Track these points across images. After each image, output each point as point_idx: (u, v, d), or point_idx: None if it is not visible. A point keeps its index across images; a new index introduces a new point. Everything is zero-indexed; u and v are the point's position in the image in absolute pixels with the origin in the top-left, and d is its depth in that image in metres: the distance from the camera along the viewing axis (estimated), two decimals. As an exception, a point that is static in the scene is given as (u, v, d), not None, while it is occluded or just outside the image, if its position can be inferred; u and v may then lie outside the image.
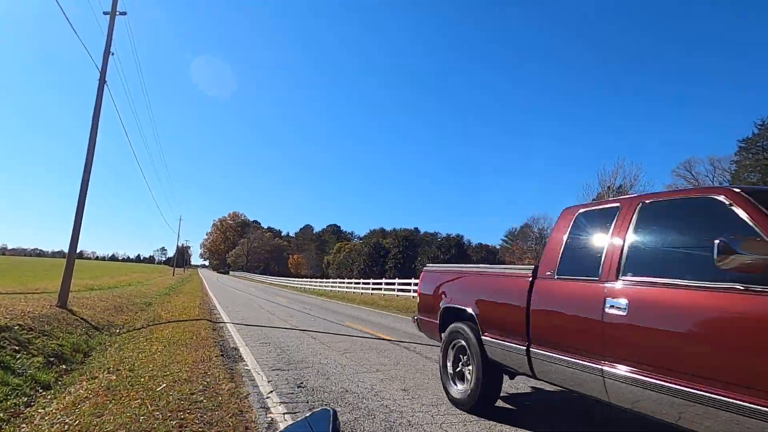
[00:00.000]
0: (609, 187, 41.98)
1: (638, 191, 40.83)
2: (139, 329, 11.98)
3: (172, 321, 12.21)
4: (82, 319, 13.13)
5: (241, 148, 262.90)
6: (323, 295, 32.85)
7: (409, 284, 27.08)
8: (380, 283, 31.24)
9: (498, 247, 76.66)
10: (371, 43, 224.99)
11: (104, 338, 11.68)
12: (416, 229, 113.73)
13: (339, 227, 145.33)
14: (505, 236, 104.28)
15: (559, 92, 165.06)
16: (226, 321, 11.82)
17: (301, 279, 63.06)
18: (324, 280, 48.75)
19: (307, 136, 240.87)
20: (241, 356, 6.94)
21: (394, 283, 29.00)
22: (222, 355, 6.86)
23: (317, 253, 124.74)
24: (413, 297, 25.66)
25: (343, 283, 39.73)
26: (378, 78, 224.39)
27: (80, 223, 14.23)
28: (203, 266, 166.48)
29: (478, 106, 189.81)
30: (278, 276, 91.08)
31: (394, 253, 66.98)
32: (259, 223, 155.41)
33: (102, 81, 15.03)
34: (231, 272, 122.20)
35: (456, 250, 58.78)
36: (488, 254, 67.55)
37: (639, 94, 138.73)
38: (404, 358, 7.14)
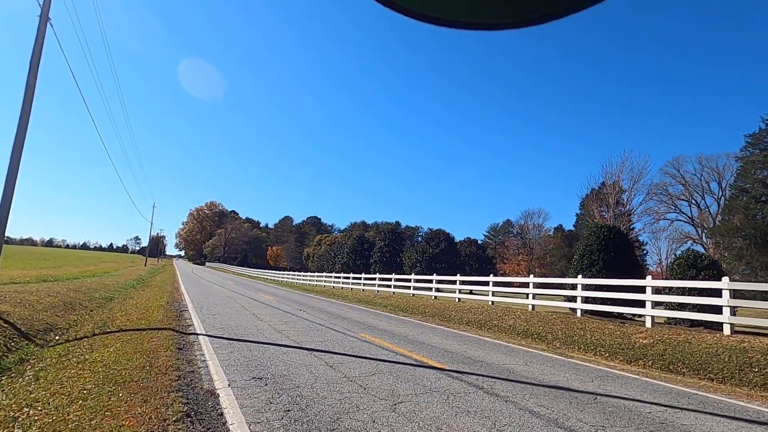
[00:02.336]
0: (604, 183, 39.80)
1: (646, 185, 38.78)
2: (80, 339, 8.79)
3: (126, 329, 9.07)
4: (7, 322, 9.89)
5: (219, 136, 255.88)
6: (310, 291, 29.77)
7: (408, 281, 24.23)
8: (373, 279, 28.26)
9: (480, 242, 74.46)
10: (360, 35, 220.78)
11: (31, 351, 8.47)
12: (398, 222, 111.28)
13: (319, 219, 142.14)
14: (488, 231, 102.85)
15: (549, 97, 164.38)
16: (198, 332, 8.69)
17: (281, 272, 59.74)
18: (307, 273, 45.57)
19: (289, 126, 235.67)
20: (223, 418, 3.92)
21: (390, 279, 26.07)
22: (187, 416, 3.84)
23: (297, 245, 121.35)
24: (413, 295, 22.89)
25: (330, 277, 36.59)
26: (367, 71, 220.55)
27: (11, 197, 10.86)
28: (179, 257, 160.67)
29: (465, 104, 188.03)
30: (256, 268, 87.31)
31: (380, 246, 64.03)
32: (237, 214, 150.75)
33: (44, 18, 11.74)
34: (207, 263, 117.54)
35: (446, 244, 56.01)
36: (477, 249, 65.21)
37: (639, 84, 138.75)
38: (502, 417, 4.23)
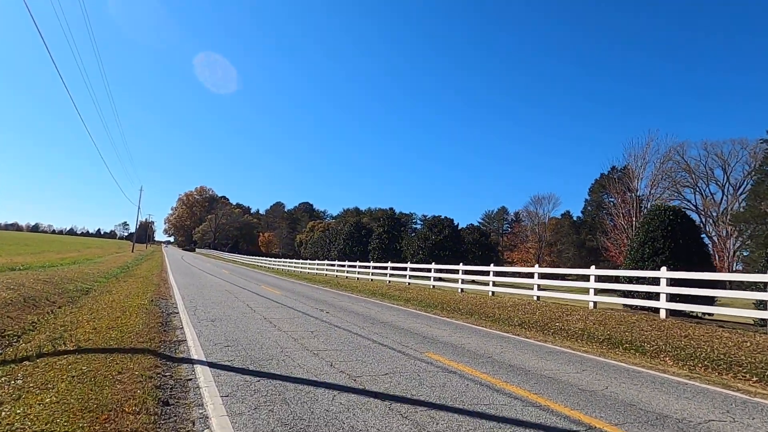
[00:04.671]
0: (614, 167, 37.16)
1: (665, 167, 36.16)
2: (21, 362, 5.87)
3: (87, 349, 6.16)
4: (-74, 331, 7.09)
5: (209, 122, 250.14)
6: (313, 281, 26.89)
7: (428, 271, 21.52)
8: (384, 268, 25.51)
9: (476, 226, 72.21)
10: (339, 30, 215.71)
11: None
12: (392, 209, 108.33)
13: (311, 205, 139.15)
14: (482, 218, 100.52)
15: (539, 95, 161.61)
16: (194, 356, 5.78)
17: (274, 258, 56.76)
18: (306, 261, 42.66)
19: (273, 109, 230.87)
20: None
21: (405, 269, 23.35)
22: None
23: (289, 231, 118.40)
24: (432, 287, 20.26)
25: (333, 265, 33.77)
26: (346, 65, 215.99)
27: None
28: (168, 242, 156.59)
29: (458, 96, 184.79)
30: (248, 254, 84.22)
31: (378, 233, 61.12)
32: (228, 199, 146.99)
33: None
34: (197, 249, 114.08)
35: (449, 231, 53.19)
36: (481, 236, 62.58)
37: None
38: None
